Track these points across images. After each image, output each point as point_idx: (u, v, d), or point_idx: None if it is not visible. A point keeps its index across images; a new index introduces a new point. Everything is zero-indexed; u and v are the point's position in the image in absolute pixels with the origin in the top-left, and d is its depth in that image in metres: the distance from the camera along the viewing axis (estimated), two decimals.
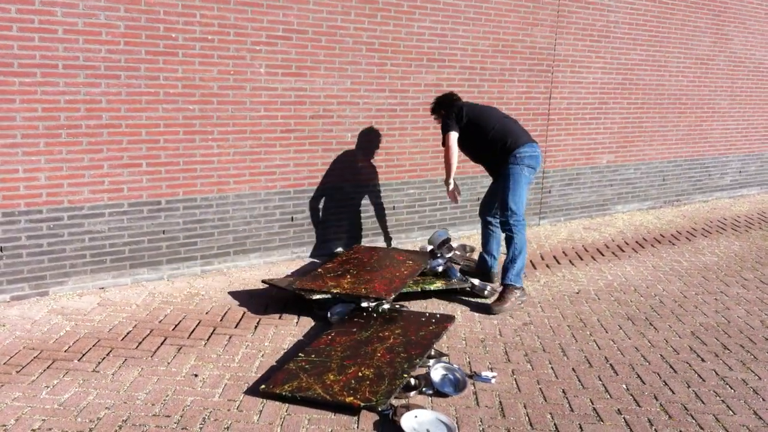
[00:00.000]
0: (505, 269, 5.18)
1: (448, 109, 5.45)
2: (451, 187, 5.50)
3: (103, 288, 5.17)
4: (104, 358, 4.05)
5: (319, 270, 5.22)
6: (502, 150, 5.23)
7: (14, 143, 4.67)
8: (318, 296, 4.74)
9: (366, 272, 5.17)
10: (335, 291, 4.75)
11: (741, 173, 10.01)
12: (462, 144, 5.40)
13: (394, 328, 4.43)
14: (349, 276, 5.08)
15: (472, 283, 5.36)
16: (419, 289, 5.12)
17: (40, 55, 4.66)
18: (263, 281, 5.18)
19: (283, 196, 5.88)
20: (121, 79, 4.97)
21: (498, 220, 5.48)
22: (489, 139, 5.28)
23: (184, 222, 5.44)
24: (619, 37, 7.85)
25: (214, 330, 4.53)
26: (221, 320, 4.70)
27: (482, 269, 5.78)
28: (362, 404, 3.49)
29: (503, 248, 5.55)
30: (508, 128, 5.31)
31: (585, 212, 8.18)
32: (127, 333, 4.42)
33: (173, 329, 4.52)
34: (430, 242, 5.92)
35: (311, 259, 6.07)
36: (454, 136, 5.30)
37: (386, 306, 4.76)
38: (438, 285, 5.22)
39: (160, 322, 4.62)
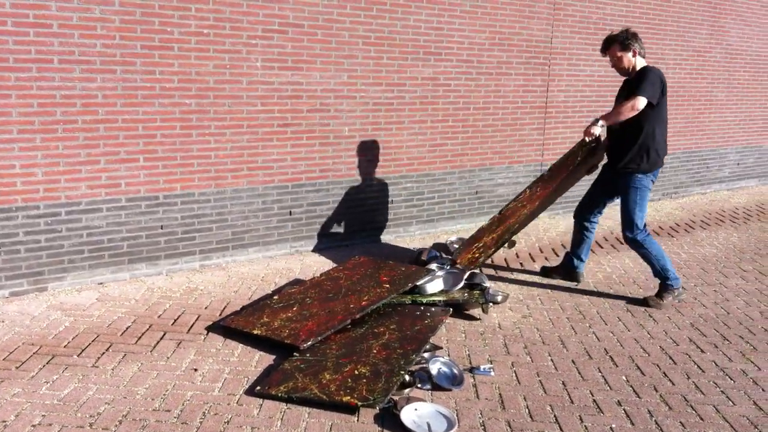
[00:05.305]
0: (661, 279, 5.19)
1: (647, 71, 4.91)
2: (599, 131, 5.05)
3: (101, 283, 5.16)
4: (104, 353, 4.04)
5: (274, 297, 4.79)
6: (646, 151, 4.98)
7: (11, 139, 4.65)
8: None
9: (319, 302, 4.65)
10: (256, 332, 4.28)
11: (739, 165, 10.01)
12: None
13: (389, 323, 4.42)
14: (296, 307, 4.59)
15: (484, 288, 4.98)
16: (408, 301, 4.81)
17: (36, 50, 4.63)
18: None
19: (281, 190, 5.87)
20: (117, 74, 4.95)
21: (595, 224, 5.45)
22: (651, 130, 4.97)
23: (182, 217, 5.43)
24: (616, 30, 7.81)
25: (213, 324, 4.52)
26: (220, 314, 4.69)
27: (566, 269, 5.62)
28: (360, 403, 3.46)
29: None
30: (665, 131, 5.11)
31: None
32: (127, 328, 4.41)
33: (172, 324, 4.51)
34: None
35: (314, 253, 6.07)
36: (643, 102, 4.80)
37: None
38: (434, 297, 4.87)
39: (159, 317, 4.61)
